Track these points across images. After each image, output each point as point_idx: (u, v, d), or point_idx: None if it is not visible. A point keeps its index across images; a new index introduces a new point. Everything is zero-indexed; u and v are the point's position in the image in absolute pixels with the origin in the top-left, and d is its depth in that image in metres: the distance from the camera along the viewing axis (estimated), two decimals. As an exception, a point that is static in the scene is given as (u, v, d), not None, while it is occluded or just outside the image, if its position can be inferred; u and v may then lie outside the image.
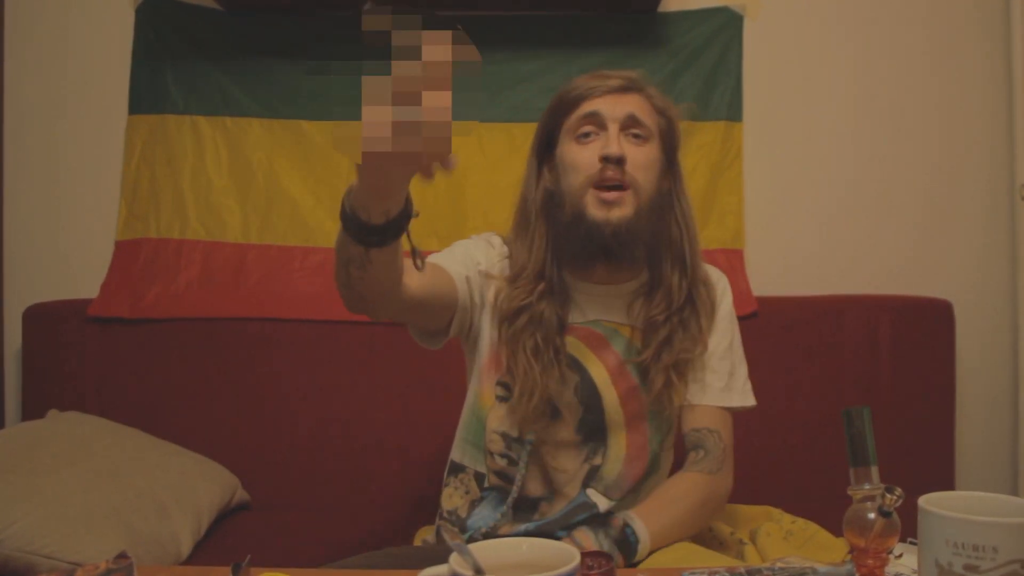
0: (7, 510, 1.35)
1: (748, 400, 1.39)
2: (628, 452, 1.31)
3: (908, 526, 0.79)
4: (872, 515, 0.81)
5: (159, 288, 2.03)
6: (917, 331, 1.94)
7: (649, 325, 1.30)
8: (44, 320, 1.99)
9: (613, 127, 1.24)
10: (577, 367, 1.31)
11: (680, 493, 1.29)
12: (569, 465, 1.31)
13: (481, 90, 1.99)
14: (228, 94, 2.10)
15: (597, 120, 1.26)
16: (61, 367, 1.97)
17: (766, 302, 1.96)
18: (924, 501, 0.74)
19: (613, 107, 1.26)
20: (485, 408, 1.34)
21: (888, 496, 0.81)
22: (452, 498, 1.36)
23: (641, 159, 1.25)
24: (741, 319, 1.91)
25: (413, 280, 1.17)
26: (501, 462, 1.32)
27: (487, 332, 1.33)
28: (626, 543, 1.17)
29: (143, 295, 2.01)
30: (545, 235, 1.29)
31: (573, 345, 1.31)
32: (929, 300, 1.97)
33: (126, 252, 2.07)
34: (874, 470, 0.84)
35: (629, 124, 1.26)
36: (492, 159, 2.06)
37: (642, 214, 1.24)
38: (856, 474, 0.84)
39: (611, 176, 1.22)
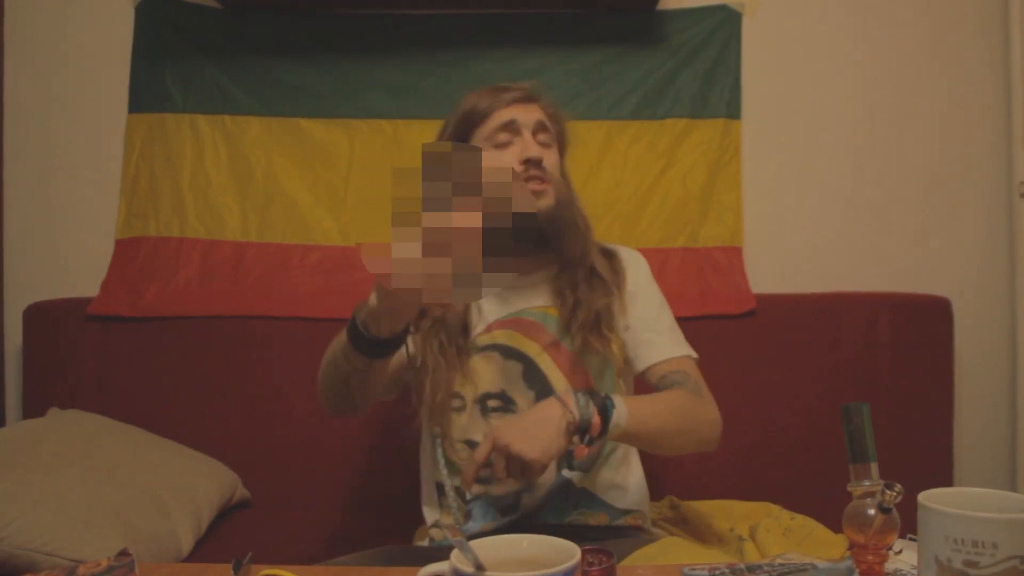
0: (8, 508, 1.35)
1: (692, 351, 1.44)
2: (559, 365, 1.37)
3: (907, 522, 0.80)
4: (872, 511, 0.81)
5: (158, 286, 2.03)
6: (916, 328, 1.94)
7: (564, 297, 1.39)
8: (44, 318, 2.00)
9: (527, 133, 1.36)
10: (517, 356, 1.37)
11: (662, 395, 1.36)
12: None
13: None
14: (227, 92, 2.10)
15: (513, 127, 1.36)
16: (61, 365, 1.97)
17: (765, 300, 1.96)
18: (923, 497, 0.74)
19: (524, 115, 1.37)
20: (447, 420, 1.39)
21: (887, 492, 0.81)
22: (444, 519, 1.38)
23: (551, 161, 1.39)
24: (740, 317, 1.94)
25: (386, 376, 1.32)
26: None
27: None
28: (604, 408, 1.19)
29: (143, 293, 2.02)
30: None
31: (507, 336, 1.38)
32: (928, 298, 1.97)
33: (126, 250, 2.08)
34: (873, 466, 0.84)
35: (539, 130, 1.38)
36: (491, 157, 2.07)
37: (561, 205, 1.37)
38: (855, 470, 0.84)
39: (534, 175, 1.34)
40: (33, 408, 1.94)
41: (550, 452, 1.13)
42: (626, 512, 1.38)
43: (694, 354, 1.43)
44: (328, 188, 2.08)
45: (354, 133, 2.09)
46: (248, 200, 2.09)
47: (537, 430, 1.14)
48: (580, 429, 1.16)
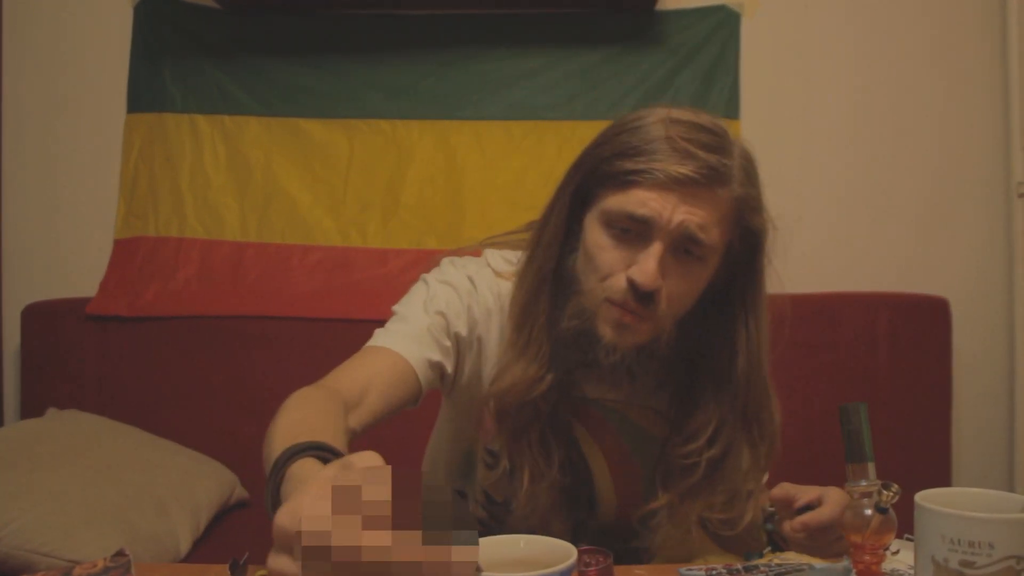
0: (6, 508, 1.35)
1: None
2: (617, 490, 1.12)
3: (905, 522, 0.80)
4: (869, 511, 0.81)
5: (157, 286, 2.03)
6: (914, 328, 1.94)
7: (674, 449, 1.05)
8: (43, 318, 2.00)
9: (658, 246, 0.93)
10: (575, 447, 1.10)
11: None
12: (555, 526, 1.08)
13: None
14: (226, 92, 2.10)
15: (645, 226, 0.93)
16: (60, 365, 1.97)
17: (764, 300, 1.96)
18: (920, 497, 0.74)
19: (670, 212, 0.92)
20: (476, 455, 1.15)
21: (885, 492, 0.81)
22: None
23: (679, 288, 0.97)
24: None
25: (367, 415, 1.01)
26: (482, 513, 1.16)
27: (488, 371, 1.08)
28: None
29: (141, 293, 2.02)
30: (545, 328, 1.02)
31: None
32: (926, 297, 1.97)
33: (124, 250, 2.08)
34: (871, 466, 0.84)
35: (685, 242, 0.94)
36: (490, 156, 2.07)
37: (659, 340, 0.99)
38: (853, 470, 0.84)
39: (632, 307, 0.94)
40: (32, 408, 1.94)
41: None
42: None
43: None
44: (327, 188, 2.08)
45: (354, 133, 2.09)
46: (247, 200, 2.09)
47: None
48: None
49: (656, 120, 0.94)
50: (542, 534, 0.88)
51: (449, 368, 1.07)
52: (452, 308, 1.06)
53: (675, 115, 0.94)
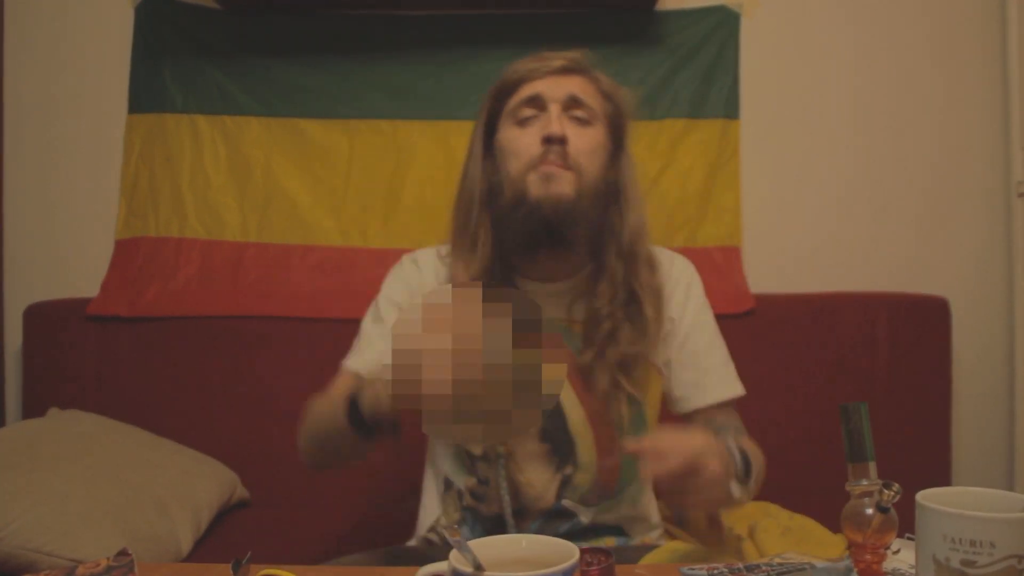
0: (8, 508, 1.35)
1: (740, 387, 1.33)
2: (598, 456, 1.23)
3: (906, 522, 0.80)
4: (870, 511, 0.81)
5: (158, 286, 2.03)
6: (914, 328, 1.94)
7: (591, 319, 1.21)
8: (44, 319, 2.00)
9: (555, 108, 1.18)
10: None
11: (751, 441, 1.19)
12: (539, 479, 1.22)
13: None
14: (227, 93, 2.10)
15: (538, 102, 1.20)
16: (61, 365, 1.97)
17: (763, 299, 1.97)
18: (921, 497, 0.74)
19: (554, 88, 1.20)
20: None
21: (885, 492, 0.81)
22: (447, 513, 1.30)
23: (585, 142, 1.19)
24: (738, 316, 1.94)
25: None
26: (471, 481, 1.25)
27: None
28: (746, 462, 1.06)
29: (142, 293, 2.02)
30: (490, 232, 1.21)
31: None
32: (926, 297, 1.98)
33: (125, 251, 2.08)
34: (871, 466, 0.84)
35: (571, 105, 1.20)
36: (490, 157, 2.07)
37: (584, 197, 1.17)
38: (853, 470, 0.84)
39: (553, 159, 1.16)
40: (33, 408, 1.94)
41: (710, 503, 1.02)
42: (637, 545, 1.29)
43: (742, 390, 1.32)
44: (327, 188, 2.08)
45: (354, 133, 2.09)
46: (248, 200, 2.09)
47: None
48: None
49: (524, 60, 1.24)
50: (531, 493, 1.15)
51: None
52: (396, 296, 1.30)
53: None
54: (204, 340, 1.97)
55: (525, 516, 1.22)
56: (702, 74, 2.08)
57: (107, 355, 1.97)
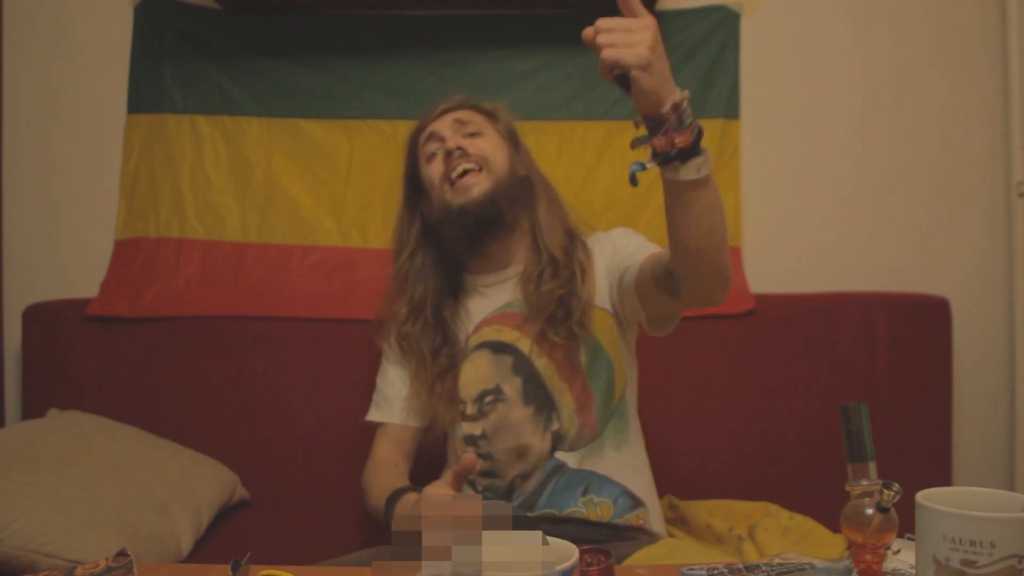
0: (7, 508, 1.35)
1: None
2: (577, 404, 1.40)
3: (906, 522, 0.80)
4: (870, 511, 0.81)
5: (158, 287, 2.03)
6: (914, 328, 1.94)
7: (539, 290, 1.41)
8: (44, 319, 2.00)
9: (448, 131, 1.44)
10: (506, 349, 1.43)
11: None
12: (533, 440, 1.39)
13: None
14: (227, 93, 2.10)
15: (436, 137, 1.45)
16: (61, 366, 1.97)
17: (763, 299, 1.96)
18: (921, 497, 0.74)
19: (443, 122, 1.46)
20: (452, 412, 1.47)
21: (886, 492, 0.81)
22: None
23: (482, 143, 1.43)
24: (738, 316, 1.94)
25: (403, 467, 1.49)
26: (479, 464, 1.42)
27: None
28: (698, 134, 1.07)
29: (142, 294, 2.02)
30: (433, 256, 1.50)
31: (494, 332, 1.44)
32: (926, 297, 1.97)
33: (125, 251, 2.08)
34: (871, 466, 0.84)
35: (459, 128, 1.45)
36: (490, 157, 2.07)
37: (501, 185, 1.41)
38: (853, 470, 0.84)
39: (457, 163, 1.40)
40: (32, 409, 1.94)
41: (653, 70, 1.04)
42: (635, 505, 1.38)
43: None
44: (328, 189, 2.08)
45: (354, 134, 2.09)
46: (248, 200, 2.09)
47: (661, 62, 1.04)
48: (676, 119, 1.04)
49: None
50: (531, 455, 1.38)
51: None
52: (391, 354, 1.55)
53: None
54: (204, 340, 1.96)
55: (528, 476, 1.38)
56: (702, 74, 2.07)
57: (107, 356, 1.97)
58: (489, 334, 1.44)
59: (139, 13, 2.11)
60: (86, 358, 1.97)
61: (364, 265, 2.04)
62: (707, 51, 2.08)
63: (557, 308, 1.39)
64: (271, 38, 2.10)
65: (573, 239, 1.47)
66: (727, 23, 2.08)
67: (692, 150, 1.06)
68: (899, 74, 2.10)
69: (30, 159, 2.14)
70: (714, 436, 1.90)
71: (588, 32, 1.08)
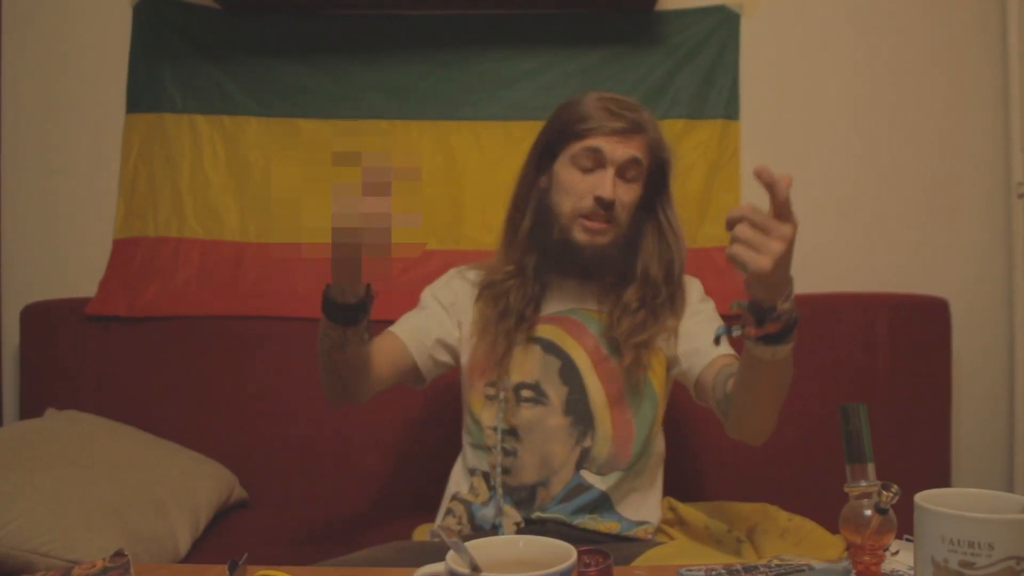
0: (5, 508, 1.35)
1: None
2: (615, 432, 1.39)
3: (904, 523, 0.80)
4: (868, 512, 0.81)
5: (157, 286, 2.03)
6: (913, 329, 1.94)
7: (623, 309, 1.41)
8: (42, 319, 1.99)
9: (611, 170, 1.35)
10: (557, 352, 1.42)
11: None
12: (561, 449, 1.38)
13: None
14: (226, 92, 2.10)
15: (598, 157, 1.35)
16: (59, 365, 1.97)
17: (763, 300, 1.96)
18: (920, 498, 0.74)
19: (615, 149, 1.35)
20: (477, 410, 1.44)
21: (884, 493, 0.81)
22: (469, 496, 1.43)
23: (627, 200, 1.38)
24: (738, 317, 1.93)
25: (380, 367, 1.39)
26: (499, 456, 1.39)
27: (468, 346, 1.47)
28: (793, 319, 1.14)
29: (141, 293, 2.01)
30: (530, 230, 1.43)
31: (552, 332, 1.43)
32: (925, 298, 1.97)
33: (124, 250, 2.07)
34: (870, 467, 0.84)
35: (628, 167, 1.37)
36: (490, 157, 2.07)
37: (617, 243, 1.39)
38: (852, 471, 0.84)
39: (599, 215, 1.35)
40: (30, 408, 1.94)
41: (770, 280, 1.09)
42: (639, 524, 1.40)
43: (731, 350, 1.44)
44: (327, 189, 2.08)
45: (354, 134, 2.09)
46: (247, 200, 2.09)
47: (784, 269, 1.10)
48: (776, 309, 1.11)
49: (591, 98, 1.38)
50: (554, 463, 1.37)
51: (452, 332, 1.49)
52: (439, 291, 1.52)
53: (602, 93, 1.39)
54: (203, 340, 1.96)
55: (548, 485, 1.38)
56: (702, 74, 2.07)
57: (105, 355, 1.97)
58: (547, 332, 1.43)
59: (138, 12, 2.11)
60: (84, 358, 1.97)
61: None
62: (707, 51, 2.08)
63: (634, 333, 1.39)
64: (271, 38, 2.10)
65: (671, 276, 1.44)
66: (727, 23, 2.08)
67: (784, 336, 1.14)
68: (899, 74, 2.10)
69: (29, 158, 2.13)
70: (713, 437, 1.89)
71: (760, 173, 1.06)
